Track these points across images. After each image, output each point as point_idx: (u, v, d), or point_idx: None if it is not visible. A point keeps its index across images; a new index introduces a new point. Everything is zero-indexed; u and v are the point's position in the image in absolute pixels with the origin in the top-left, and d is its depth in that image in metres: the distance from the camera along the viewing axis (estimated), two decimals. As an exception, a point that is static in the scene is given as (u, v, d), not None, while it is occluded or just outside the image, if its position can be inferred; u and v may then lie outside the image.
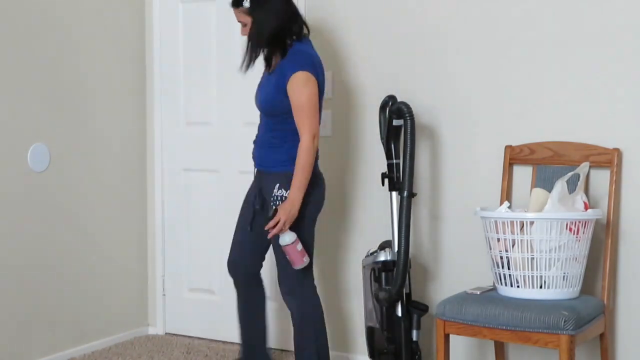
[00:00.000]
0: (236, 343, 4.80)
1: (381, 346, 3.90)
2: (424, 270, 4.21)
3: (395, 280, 3.72)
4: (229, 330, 4.83)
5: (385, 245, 3.92)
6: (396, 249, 3.78)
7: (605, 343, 3.60)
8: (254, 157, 3.90)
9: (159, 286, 5.06)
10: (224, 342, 4.84)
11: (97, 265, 4.74)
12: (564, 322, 3.19)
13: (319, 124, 3.70)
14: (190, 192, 4.96)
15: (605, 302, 3.57)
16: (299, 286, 3.80)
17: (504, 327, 3.33)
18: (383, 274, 3.84)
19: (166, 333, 5.06)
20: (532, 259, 3.38)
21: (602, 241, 3.67)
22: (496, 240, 3.46)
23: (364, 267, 4.00)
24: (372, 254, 3.94)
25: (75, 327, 4.59)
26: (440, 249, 4.17)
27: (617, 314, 3.73)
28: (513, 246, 3.42)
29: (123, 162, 4.90)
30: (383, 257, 3.86)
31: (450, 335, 3.55)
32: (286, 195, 3.64)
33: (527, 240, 3.37)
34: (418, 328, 3.87)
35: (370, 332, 3.98)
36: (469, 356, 4.10)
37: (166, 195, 5.03)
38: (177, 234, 5.00)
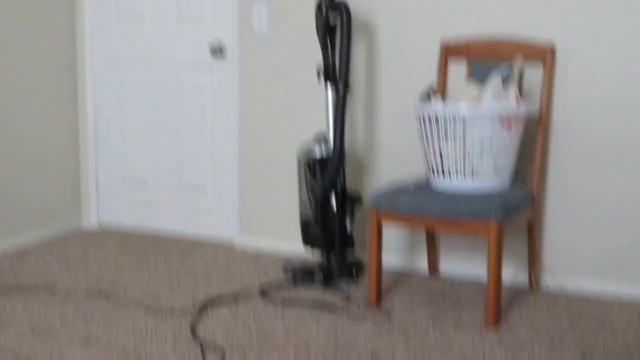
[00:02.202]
0: (171, 233, 4.84)
1: (316, 237, 3.97)
2: (358, 163, 4.26)
3: (330, 173, 3.77)
4: (163, 221, 4.87)
5: (320, 137, 3.95)
6: (332, 142, 3.81)
7: (532, 233, 3.72)
8: None
9: (91, 176, 5.02)
10: (158, 233, 4.87)
11: (28, 155, 4.67)
12: (494, 210, 3.28)
13: None
14: (123, 84, 4.89)
15: (534, 193, 3.67)
16: None
17: (436, 216, 3.41)
18: (318, 168, 3.88)
19: (100, 224, 5.06)
20: (465, 151, 3.45)
21: (533, 134, 3.75)
22: (430, 133, 3.51)
23: (298, 159, 4.03)
24: (307, 149, 3.97)
25: (6, 218, 4.55)
26: (376, 143, 4.21)
27: (545, 204, 3.85)
28: (446, 139, 3.48)
29: (52, 55, 4.79)
30: (318, 151, 3.90)
31: (383, 225, 3.62)
32: None
33: (460, 134, 3.43)
34: (352, 218, 3.95)
35: (305, 222, 4.04)
36: (401, 246, 4.20)
37: (98, 85, 4.96)
38: (110, 124, 4.96)
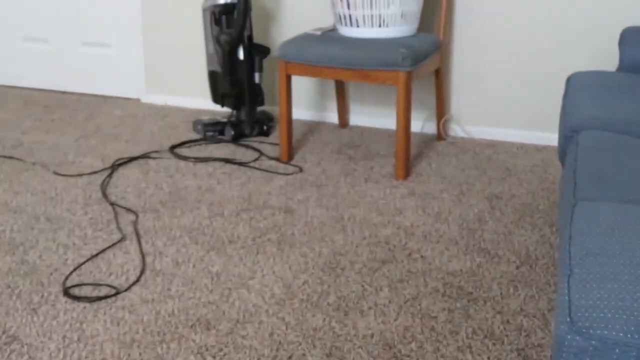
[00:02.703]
0: (74, 92, 4.71)
1: (224, 90, 3.92)
2: (265, 12, 4.17)
3: (236, 22, 3.68)
4: (66, 80, 4.73)
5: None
6: (236, -9, 3.71)
7: (440, 78, 3.75)
8: None
9: (-13, 36, 4.83)
10: (62, 92, 4.74)
11: None
12: (402, 59, 3.27)
13: None
14: None
15: (441, 38, 3.67)
16: None
17: (344, 67, 3.39)
18: (223, 17, 3.78)
19: (0, 85, 4.89)
20: (372, -3, 3.40)
21: (440, -21, 3.72)
22: (337, -21, 3.44)
23: (203, 10, 3.92)
24: (211, -3, 3.87)
25: None
26: (281, -9, 4.13)
27: (451, 50, 3.86)
28: (353, -15, 3.42)
29: None
30: None
31: (293, 76, 3.59)
32: None
33: (367, -21, 3.38)
34: (260, 70, 3.89)
35: (212, 77, 3.97)
36: (311, 96, 4.19)
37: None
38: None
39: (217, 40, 3.81)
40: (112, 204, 3.11)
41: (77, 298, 2.41)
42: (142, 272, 2.58)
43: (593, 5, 3.56)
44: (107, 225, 2.93)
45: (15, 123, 4.17)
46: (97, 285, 2.50)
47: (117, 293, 2.45)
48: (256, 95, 3.92)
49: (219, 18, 3.78)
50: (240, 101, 3.91)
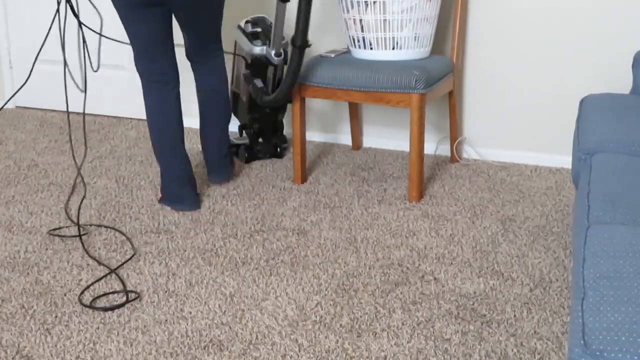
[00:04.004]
0: (89, 114, 4.74)
1: (245, 121, 3.91)
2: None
3: (281, 89, 3.46)
4: (81, 101, 4.76)
5: (257, 20, 3.81)
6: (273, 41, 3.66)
7: (453, 100, 3.75)
8: None
9: (4, 58, 4.86)
10: (77, 114, 4.77)
11: None
12: (415, 81, 3.28)
13: None
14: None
15: (454, 61, 3.68)
16: None
17: (358, 89, 3.40)
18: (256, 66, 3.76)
19: (17, 107, 4.93)
20: (385, 20, 3.42)
21: (453, 1, 3.73)
22: (350, 3, 3.46)
23: (237, 34, 3.87)
24: (248, 29, 3.80)
25: None
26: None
27: (464, 72, 3.87)
28: (366, 9, 3.44)
29: None
30: (259, 51, 3.71)
31: (307, 99, 3.60)
32: None
33: (380, 2, 3.39)
34: (285, 110, 3.91)
35: (235, 98, 3.97)
36: (324, 119, 4.20)
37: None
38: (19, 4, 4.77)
39: (245, 79, 3.76)
40: (125, 225, 3.13)
41: (94, 308, 2.42)
42: (156, 292, 2.59)
43: (606, 28, 3.56)
44: (121, 246, 2.95)
45: (31, 144, 4.20)
46: (116, 292, 2.51)
47: (137, 297, 2.45)
48: (277, 129, 3.92)
49: (250, 63, 3.76)
50: (260, 133, 3.91)
